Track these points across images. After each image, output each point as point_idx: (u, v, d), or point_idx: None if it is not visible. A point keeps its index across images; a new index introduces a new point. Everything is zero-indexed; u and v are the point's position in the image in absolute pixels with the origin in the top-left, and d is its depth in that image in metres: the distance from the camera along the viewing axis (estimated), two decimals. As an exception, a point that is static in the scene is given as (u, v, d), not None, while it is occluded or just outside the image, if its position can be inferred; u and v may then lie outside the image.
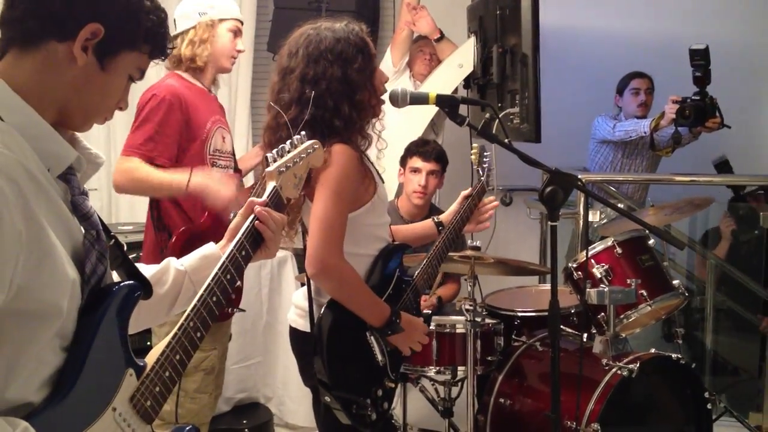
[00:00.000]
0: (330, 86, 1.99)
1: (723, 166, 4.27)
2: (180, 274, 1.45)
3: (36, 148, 1.08)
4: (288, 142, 1.63)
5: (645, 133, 4.06)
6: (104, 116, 1.22)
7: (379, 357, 2.05)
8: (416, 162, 3.36)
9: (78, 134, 1.21)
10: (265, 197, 1.51)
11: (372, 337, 2.04)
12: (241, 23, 2.80)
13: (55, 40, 1.10)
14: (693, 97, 3.75)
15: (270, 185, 1.54)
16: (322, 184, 1.96)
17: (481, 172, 2.61)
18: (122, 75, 1.18)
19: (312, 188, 1.98)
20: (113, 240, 1.23)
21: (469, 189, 2.46)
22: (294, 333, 2.17)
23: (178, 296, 1.45)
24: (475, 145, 2.71)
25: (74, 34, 1.10)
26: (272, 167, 1.55)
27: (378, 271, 2.09)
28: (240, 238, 1.41)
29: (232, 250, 1.39)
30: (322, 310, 2.02)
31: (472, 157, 2.67)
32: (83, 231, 1.14)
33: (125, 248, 1.25)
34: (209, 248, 1.51)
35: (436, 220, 2.45)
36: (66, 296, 1.07)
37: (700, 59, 3.62)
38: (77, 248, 1.12)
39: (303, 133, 1.69)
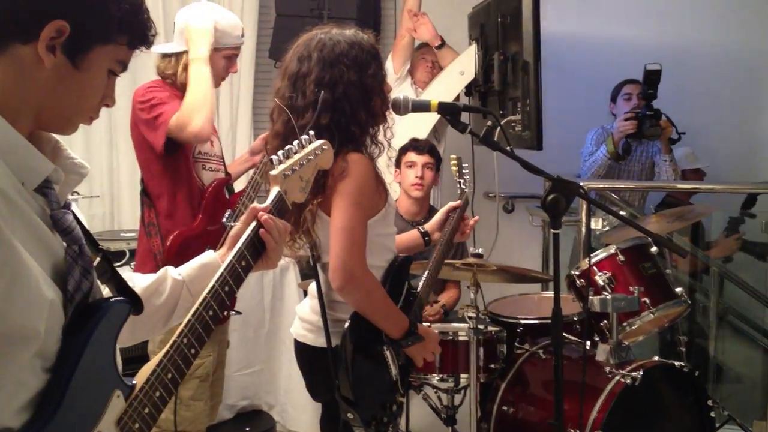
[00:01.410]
0: (347, 91, 1.96)
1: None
2: (177, 284, 1.39)
3: (8, 162, 1.01)
4: (295, 142, 1.55)
5: (608, 158, 4.10)
6: (88, 116, 1.14)
7: (394, 371, 2.03)
8: (410, 156, 3.43)
9: (62, 143, 1.15)
10: (268, 203, 1.43)
11: (388, 352, 2.02)
12: (240, 45, 2.77)
13: (19, 42, 1.02)
14: (647, 112, 3.99)
15: (274, 190, 1.45)
16: (342, 194, 1.93)
17: (462, 183, 2.63)
18: (100, 71, 1.10)
19: (328, 199, 1.96)
20: (101, 253, 1.16)
21: (458, 201, 2.52)
22: (302, 348, 2.13)
23: (175, 307, 1.38)
24: (452, 156, 2.74)
25: (37, 35, 1.02)
26: (277, 171, 1.45)
27: (390, 282, 2.07)
28: (241, 248, 1.33)
29: (231, 261, 1.31)
30: (346, 325, 1.98)
31: (453, 168, 2.69)
32: (65, 246, 1.07)
33: (127, 255, 1.21)
34: (208, 256, 1.44)
35: (421, 230, 2.48)
36: (43, 318, 1.00)
37: (655, 78, 3.91)
38: (58, 265, 1.05)
39: (312, 132, 1.62)
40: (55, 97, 1.07)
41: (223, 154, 2.85)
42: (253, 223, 1.38)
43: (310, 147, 1.57)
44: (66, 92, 1.08)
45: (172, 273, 1.40)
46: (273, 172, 1.46)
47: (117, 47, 1.10)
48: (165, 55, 2.68)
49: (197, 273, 1.41)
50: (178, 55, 2.63)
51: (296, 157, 1.52)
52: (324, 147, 1.62)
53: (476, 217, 2.59)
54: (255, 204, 1.43)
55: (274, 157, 1.48)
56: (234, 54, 2.73)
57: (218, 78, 2.70)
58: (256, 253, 1.37)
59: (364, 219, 1.97)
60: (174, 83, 2.65)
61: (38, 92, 1.05)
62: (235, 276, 1.30)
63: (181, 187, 2.60)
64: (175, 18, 2.71)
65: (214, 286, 1.26)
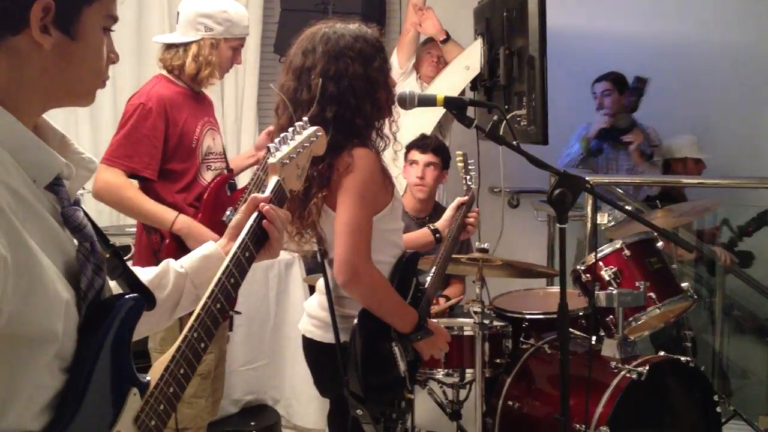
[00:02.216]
0: (352, 84, 1.96)
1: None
2: (180, 276, 1.37)
3: (19, 159, 0.99)
4: (290, 129, 1.52)
5: (581, 155, 4.34)
6: (102, 80, 1.11)
7: (402, 368, 2.03)
8: (414, 154, 3.40)
9: (68, 137, 1.13)
10: (268, 193, 1.40)
11: (396, 348, 2.02)
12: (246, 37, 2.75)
13: (10, 35, 0.99)
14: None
15: (273, 179, 1.43)
16: (347, 189, 1.93)
17: (468, 180, 2.63)
18: (95, 33, 1.07)
19: (333, 194, 1.96)
20: (111, 249, 1.14)
21: (465, 197, 2.53)
22: (310, 344, 2.13)
23: (179, 300, 1.36)
24: (458, 152, 2.74)
25: (26, 21, 0.98)
26: (274, 159, 1.44)
27: (398, 278, 2.07)
28: (244, 239, 1.32)
29: (235, 252, 1.29)
30: (356, 321, 1.98)
31: (458, 165, 2.69)
32: (76, 244, 1.05)
33: (131, 251, 1.19)
34: (210, 247, 1.42)
35: (431, 227, 2.48)
36: (60, 319, 0.99)
37: (642, 87, 4.16)
38: (70, 263, 1.04)
39: (305, 119, 1.60)
40: (63, 75, 1.05)
41: (226, 149, 2.84)
42: (255, 214, 1.37)
43: (305, 134, 1.56)
44: (73, 66, 1.05)
45: (173, 265, 1.39)
46: (271, 160, 1.44)
47: (102, 2, 1.07)
48: (170, 46, 2.64)
49: (199, 264, 1.40)
50: (186, 45, 2.60)
51: (292, 144, 1.50)
52: (318, 133, 1.60)
53: (475, 212, 2.59)
54: (256, 194, 1.41)
55: (271, 145, 1.47)
56: (240, 45, 2.70)
57: (223, 69, 2.68)
58: (258, 243, 1.36)
59: (369, 214, 1.96)
60: (180, 76, 2.63)
61: (44, 78, 1.03)
62: (240, 268, 1.29)
63: (182, 186, 2.58)
64: (178, 7, 2.68)
65: (220, 278, 1.25)
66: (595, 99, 4.46)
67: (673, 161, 4.51)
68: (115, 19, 1.10)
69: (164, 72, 2.65)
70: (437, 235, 2.46)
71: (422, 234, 2.49)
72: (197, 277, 1.37)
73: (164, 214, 2.49)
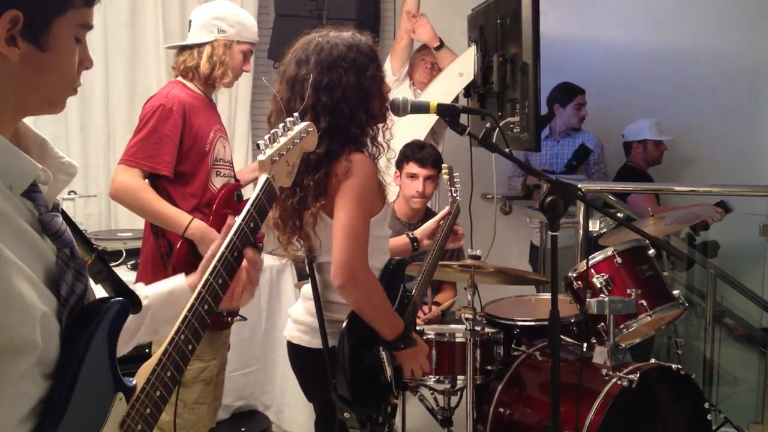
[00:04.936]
0: (345, 93, 1.97)
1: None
2: (143, 308, 1.30)
3: None
4: (281, 125, 1.50)
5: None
6: (72, 88, 1.08)
7: (389, 372, 2.03)
8: (413, 167, 3.32)
9: (49, 142, 1.11)
10: (257, 191, 1.38)
11: (384, 352, 2.02)
12: (255, 45, 2.80)
13: None
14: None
15: (262, 177, 1.41)
16: (345, 192, 1.94)
17: (453, 192, 2.64)
18: (67, 43, 1.04)
19: (330, 201, 1.96)
20: (95, 253, 1.14)
21: (447, 208, 2.56)
22: (297, 349, 2.13)
23: (137, 332, 1.33)
24: (444, 165, 2.76)
25: None
26: (264, 156, 1.42)
27: (385, 285, 2.07)
28: (225, 247, 1.28)
29: (224, 252, 1.28)
30: (344, 324, 1.98)
31: (444, 177, 2.71)
32: (55, 250, 1.04)
33: (124, 255, 1.17)
34: (178, 282, 1.40)
35: (411, 236, 2.49)
36: (37, 329, 0.97)
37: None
38: (50, 270, 1.02)
39: (296, 114, 1.58)
40: (33, 86, 1.02)
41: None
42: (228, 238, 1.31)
43: (296, 129, 1.54)
44: (42, 77, 1.03)
45: (141, 292, 1.35)
46: (261, 158, 1.41)
47: (76, 12, 1.04)
48: (183, 49, 2.70)
49: (165, 300, 1.36)
50: (200, 47, 2.66)
51: (282, 141, 1.48)
52: (309, 129, 1.58)
53: (460, 229, 2.65)
54: (231, 218, 1.36)
55: (260, 141, 1.45)
56: (250, 51, 2.76)
57: (235, 72, 2.73)
58: (231, 269, 1.30)
59: (367, 218, 1.97)
60: (194, 79, 2.68)
61: (14, 89, 1.01)
62: (227, 267, 1.27)
63: (193, 189, 2.60)
64: (191, 16, 2.75)
65: (208, 279, 1.24)
66: (579, 109, 4.50)
67: (634, 144, 4.61)
68: (89, 27, 1.07)
69: (179, 78, 2.71)
70: (415, 244, 2.48)
71: (400, 240, 2.51)
72: (158, 313, 1.35)
73: (179, 217, 2.52)
